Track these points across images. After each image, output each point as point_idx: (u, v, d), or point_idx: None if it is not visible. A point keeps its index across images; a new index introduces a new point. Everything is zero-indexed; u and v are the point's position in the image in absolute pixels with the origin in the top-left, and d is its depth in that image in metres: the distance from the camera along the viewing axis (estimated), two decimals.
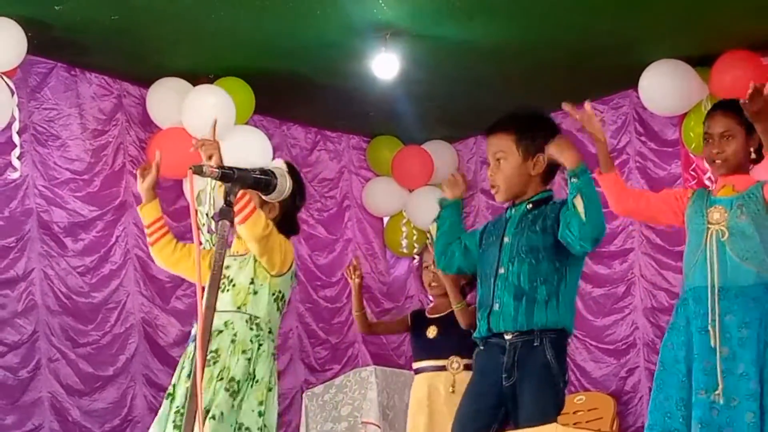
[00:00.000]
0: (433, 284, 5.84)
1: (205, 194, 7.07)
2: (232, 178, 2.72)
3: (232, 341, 4.15)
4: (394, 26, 6.57)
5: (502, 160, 3.98)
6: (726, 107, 4.53)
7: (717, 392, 4.14)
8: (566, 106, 4.10)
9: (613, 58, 7.16)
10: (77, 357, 6.92)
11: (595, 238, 3.83)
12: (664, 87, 7.15)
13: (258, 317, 4.27)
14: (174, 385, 4.31)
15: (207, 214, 7.09)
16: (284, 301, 4.34)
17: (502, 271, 3.93)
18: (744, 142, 4.40)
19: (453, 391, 5.58)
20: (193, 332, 4.31)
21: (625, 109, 7.98)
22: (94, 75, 7.19)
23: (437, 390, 5.66)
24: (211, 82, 7.22)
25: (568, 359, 3.95)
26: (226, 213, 2.68)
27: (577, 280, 4.03)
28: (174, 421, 4.12)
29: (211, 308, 2.59)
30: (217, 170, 2.68)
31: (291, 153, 8.38)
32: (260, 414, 4.19)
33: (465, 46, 6.89)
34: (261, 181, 2.86)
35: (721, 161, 4.42)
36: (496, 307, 3.90)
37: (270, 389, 4.24)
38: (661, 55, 7.13)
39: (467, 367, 5.66)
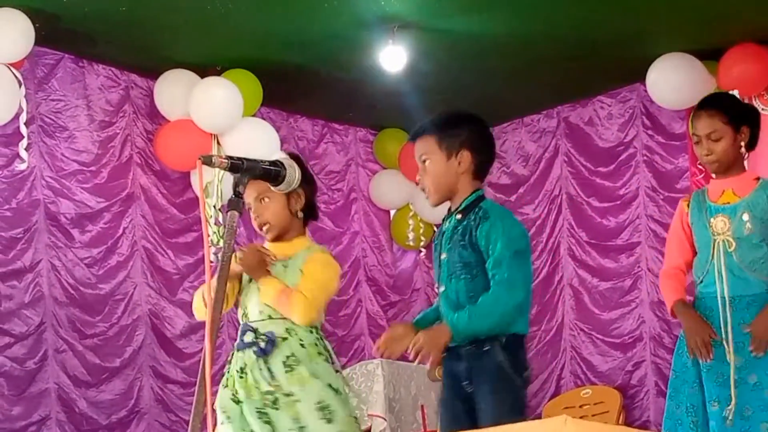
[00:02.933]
0: None
1: (212, 186, 7.08)
2: (241, 168, 2.72)
3: (302, 345, 4.07)
4: (401, 19, 6.57)
5: (427, 161, 3.89)
6: (711, 106, 4.39)
7: (729, 407, 4.12)
8: None
9: (620, 51, 7.15)
10: (84, 348, 6.92)
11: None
12: (672, 80, 7.15)
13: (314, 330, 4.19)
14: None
15: (215, 206, 7.10)
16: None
17: (443, 288, 3.89)
18: (733, 140, 4.31)
19: None
20: (246, 339, 4.14)
21: (633, 103, 7.98)
22: (101, 66, 7.19)
23: None
24: (218, 74, 7.22)
25: (526, 358, 3.85)
26: (234, 204, 2.68)
27: (525, 284, 3.85)
28: None
29: (220, 300, 2.58)
30: (226, 161, 2.68)
31: (298, 145, 8.38)
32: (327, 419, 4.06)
33: (472, 38, 6.88)
34: (270, 172, 2.86)
35: (712, 162, 4.35)
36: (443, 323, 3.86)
37: (329, 385, 4.09)
38: (668, 49, 7.12)
39: None
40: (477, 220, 3.81)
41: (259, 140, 7.24)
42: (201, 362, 2.48)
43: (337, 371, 4.13)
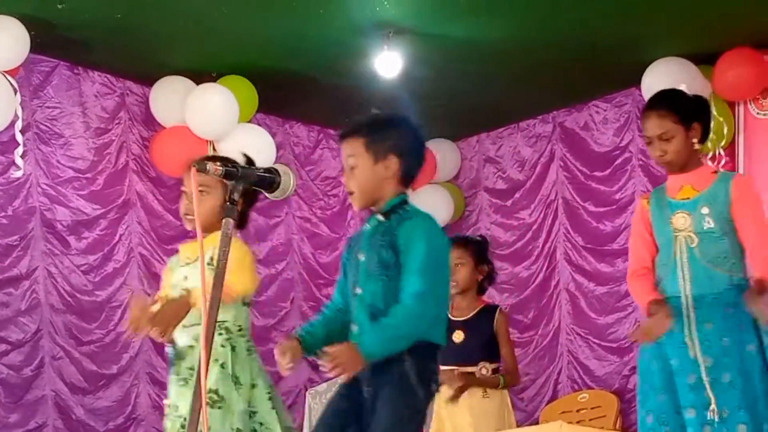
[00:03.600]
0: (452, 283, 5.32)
1: None
2: (235, 176, 2.72)
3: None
4: (396, 24, 6.57)
5: (354, 166, 3.77)
6: (660, 106, 4.34)
7: (711, 408, 4.05)
8: None
9: (615, 56, 7.16)
10: (81, 355, 6.92)
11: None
12: (667, 85, 7.04)
13: (225, 321, 4.07)
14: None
15: None
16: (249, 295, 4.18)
17: (359, 291, 3.74)
18: (684, 137, 4.23)
19: (486, 396, 5.58)
20: (169, 354, 4.15)
21: (628, 107, 7.99)
22: (97, 73, 7.20)
23: (470, 394, 5.56)
24: (214, 80, 7.22)
25: (436, 369, 3.72)
26: (229, 211, 2.68)
27: (445, 292, 3.80)
28: None
29: (215, 307, 2.58)
30: (221, 168, 2.68)
31: (294, 151, 8.40)
32: (251, 414, 4.06)
33: (467, 44, 6.88)
34: (265, 179, 2.85)
35: (666, 162, 4.29)
36: (354, 329, 3.73)
37: (254, 386, 4.08)
38: (663, 54, 7.12)
39: (495, 371, 5.64)
40: (400, 220, 3.72)
41: (255, 146, 7.24)
42: (197, 369, 2.49)
43: (235, 377, 4.04)
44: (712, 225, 4.17)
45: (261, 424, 4.07)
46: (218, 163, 2.70)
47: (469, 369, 5.60)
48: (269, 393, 4.14)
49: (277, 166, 2.94)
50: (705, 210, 4.19)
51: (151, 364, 7.25)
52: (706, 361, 4.09)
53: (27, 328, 6.70)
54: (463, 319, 5.71)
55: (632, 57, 7.14)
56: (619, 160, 8.03)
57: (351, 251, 3.87)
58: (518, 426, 6.14)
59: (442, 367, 5.65)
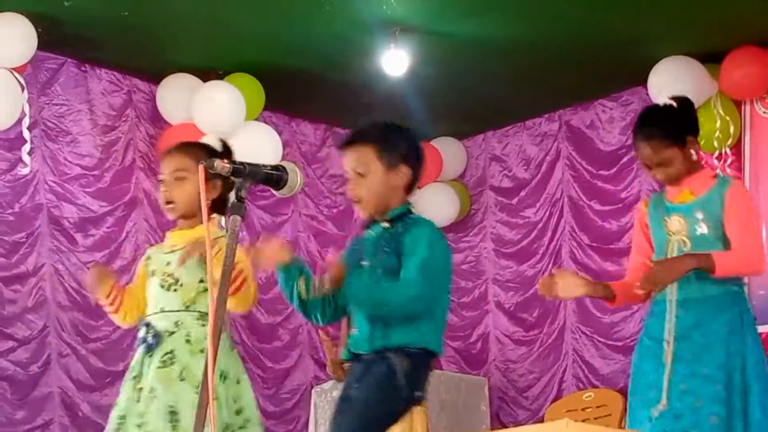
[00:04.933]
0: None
1: None
2: (243, 173, 2.72)
3: (187, 341, 3.97)
4: (403, 22, 6.59)
5: (364, 173, 3.73)
6: (650, 135, 4.24)
7: (657, 407, 4.06)
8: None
9: (622, 54, 7.16)
10: (87, 352, 6.93)
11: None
12: (674, 84, 7.13)
13: (207, 312, 3.92)
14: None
15: None
16: None
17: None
18: (682, 156, 4.17)
19: None
20: (140, 335, 4.11)
21: (635, 106, 7.97)
22: (104, 71, 7.21)
23: None
24: (220, 78, 7.23)
25: (426, 380, 3.67)
26: (237, 208, 2.69)
27: (444, 302, 3.80)
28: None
29: (223, 304, 2.58)
30: (228, 166, 2.69)
31: (300, 149, 8.40)
32: (238, 412, 4.02)
33: (474, 42, 6.89)
34: (272, 177, 2.85)
35: (668, 181, 4.25)
36: (355, 332, 3.73)
37: (239, 381, 4.05)
38: (670, 52, 7.12)
39: None
40: (407, 227, 3.71)
41: (262, 144, 7.27)
42: (204, 366, 2.50)
43: (222, 372, 3.97)
44: (705, 230, 4.13)
45: (248, 420, 4.04)
46: (225, 161, 2.70)
47: None
48: (250, 388, 4.11)
49: (284, 164, 2.94)
50: (699, 215, 4.15)
51: None
52: (687, 357, 4.09)
53: (34, 325, 6.71)
54: None
55: (639, 55, 7.14)
56: (625, 159, 8.03)
57: (351, 256, 3.83)
58: (523, 425, 6.15)
59: None
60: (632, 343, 7.81)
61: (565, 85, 7.85)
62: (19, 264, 6.71)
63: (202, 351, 3.94)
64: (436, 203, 8.59)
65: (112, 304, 4.24)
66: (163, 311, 4.04)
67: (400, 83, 7.28)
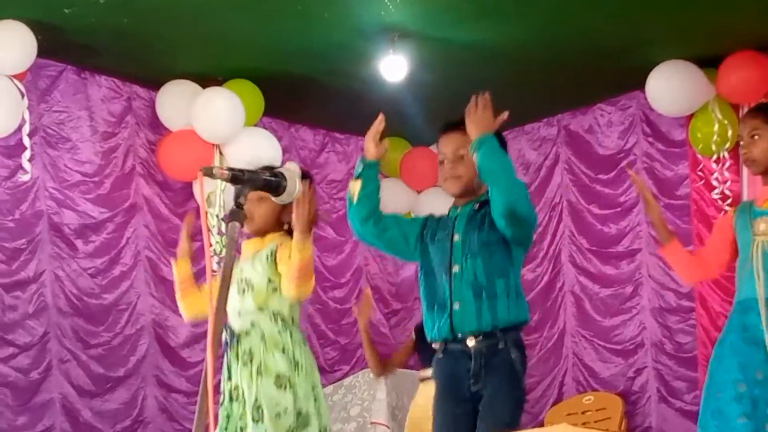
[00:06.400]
0: None
1: (215, 196, 7.10)
2: (242, 179, 2.74)
3: (262, 339, 4.30)
4: (402, 28, 6.59)
5: (465, 155, 4.05)
6: (758, 107, 4.58)
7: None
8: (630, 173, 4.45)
9: (620, 59, 7.17)
10: (88, 358, 6.94)
11: (510, 213, 3.85)
12: (672, 88, 7.17)
13: (281, 311, 4.40)
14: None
15: (217, 216, 7.12)
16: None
17: (456, 269, 4.00)
18: None
19: None
20: (225, 338, 4.43)
21: (633, 110, 8.00)
22: (103, 77, 7.22)
23: None
24: (220, 84, 7.24)
25: (526, 357, 4.04)
26: (236, 214, 2.70)
27: (520, 272, 4.11)
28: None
29: (222, 309, 2.60)
30: (227, 172, 2.70)
31: (300, 155, 8.42)
32: (315, 399, 4.36)
33: (472, 47, 6.90)
34: (271, 183, 2.87)
35: (751, 161, 4.42)
36: (457, 306, 3.95)
37: (313, 369, 4.41)
38: (668, 56, 7.14)
39: None
40: None
41: (262, 150, 7.27)
42: (203, 372, 2.51)
43: (296, 362, 4.31)
44: None
45: (319, 413, 4.38)
46: (225, 168, 2.72)
47: None
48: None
49: (284, 169, 2.96)
50: None
51: (158, 367, 7.27)
52: None
53: (34, 332, 6.72)
54: None
55: (637, 60, 7.16)
56: (623, 163, 8.04)
57: (433, 232, 4.20)
58: (524, 428, 6.15)
59: (425, 371, 5.77)
60: (631, 347, 7.88)
61: (564, 89, 7.86)
62: (20, 270, 6.72)
63: (276, 345, 4.32)
64: (435, 208, 8.58)
65: (182, 284, 4.68)
66: (240, 314, 4.40)
67: (399, 89, 7.29)
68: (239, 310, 4.39)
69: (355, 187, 4.16)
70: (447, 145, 4.16)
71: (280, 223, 4.48)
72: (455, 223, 4.12)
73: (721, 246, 4.55)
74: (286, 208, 4.32)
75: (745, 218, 4.41)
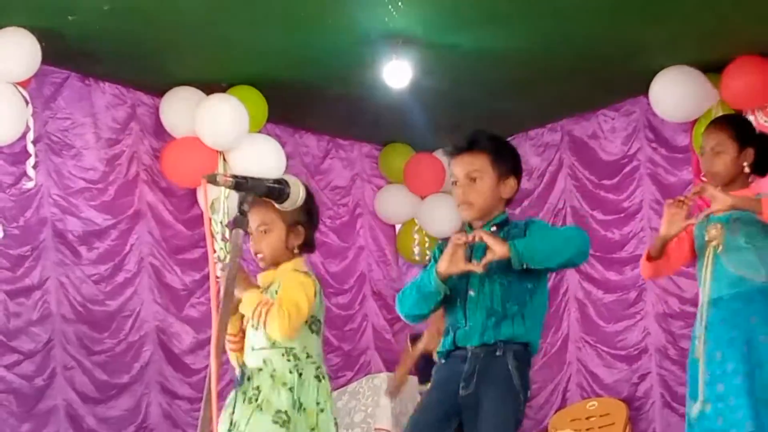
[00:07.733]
0: None
1: (219, 203, 7.10)
2: (245, 187, 2.75)
3: (272, 377, 4.14)
4: (405, 34, 6.59)
5: (477, 179, 3.94)
6: (720, 122, 4.69)
7: (700, 401, 4.33)
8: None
9: (623, 64, 7.18)
10: (92, 365, 6.94)
11: (568, 266, 3.93)
12: (675, 93, 7.17)
13: (293, 347, 4.17)
14: None
15: (221, 223, 7.12)
16: (319, 323, 4.23)
17: (472, 293, 3.90)
18: (735, 156, 4.49)
19: None
20: (237, 374, 4.30)
21: (636, 116, 8.00)
22: (107, 84, 7.23)
23: None
24: (224, 90, 7.25)
25: (529, 379, 3.89)
26: (240, 221, 2.71)
27: (546, 299, 4.03)
28: None
29: (225, 323, 2.60)
30: (230, 179, 2.71)
31: (303, 161, 8.42)
32: None
33: (476, 53, 6.91)
34: (274, 190, 2.88)
35: (712, 174, 4.53)
36: (465, 326, 3.89)
37: (322, 410, 4.17)
38: (671, 62, 7.15)
39: None
40: (522, 228, 3.93)
41: (266, 156, 7.29)
42: (207, 378, 2.51)
43: (299, 403, 4.12)
44: (738, 236, 4.42)
45: None
46: (228, 175, 2.73)
47: None
48: (335, 420, 4.25)
49: (287, 177, 2.97)
50: (735, 223, 4.42)
51: (162, 373, 7.27)
52: (716, 355, 4.34)
53: (39, 338, 6.72)
54: None
55: (640, 65, 7.16)
56: (627, 169, 8.05)
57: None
58: None
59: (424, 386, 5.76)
60: (635, 353, 7.87)
61: (567, 95, 7.86)
62: (24, 277, 6.72)
63: (284, 384, 4.11)
64: (439, 215, 8.62)
65: (236, 341, 4.38)
66: (253, 349, 4.20)
67: (403, 95, 7.29)
68: (252, 345, 4.21)
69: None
70: (458, 169, 4.04)
71: (290, 249, 4.34)
72: (473, 248, 3.92)
73: (679, 243, 4.64)
74: (291, 232, 4.19)
75: (701, 224, 4.52)
